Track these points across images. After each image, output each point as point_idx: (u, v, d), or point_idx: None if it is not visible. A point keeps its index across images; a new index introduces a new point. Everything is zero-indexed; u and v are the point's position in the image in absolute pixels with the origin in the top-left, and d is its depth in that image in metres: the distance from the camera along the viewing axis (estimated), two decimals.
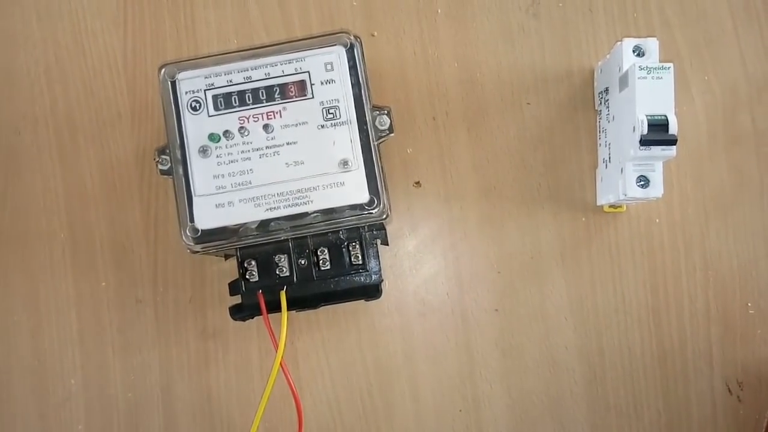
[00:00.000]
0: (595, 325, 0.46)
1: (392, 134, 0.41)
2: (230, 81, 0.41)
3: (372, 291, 0.43)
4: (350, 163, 0.40)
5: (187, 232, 0.40)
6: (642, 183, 0.41)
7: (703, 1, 0.48)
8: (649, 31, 0.47)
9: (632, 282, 0.46)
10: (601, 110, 0.46)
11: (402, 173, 0.48)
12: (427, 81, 0.48)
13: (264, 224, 0.40)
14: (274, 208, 0.40)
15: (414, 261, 0.47)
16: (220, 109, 0.41)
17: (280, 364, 0.40)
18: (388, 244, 0.44)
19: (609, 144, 0.44)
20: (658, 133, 0.39)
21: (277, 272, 0.41)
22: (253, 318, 0.44)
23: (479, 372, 0.47)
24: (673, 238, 0.47)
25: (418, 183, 0.48)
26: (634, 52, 0.42)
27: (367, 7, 0.49)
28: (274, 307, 0.42)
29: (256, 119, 0.41)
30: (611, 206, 0.46)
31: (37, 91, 0.49)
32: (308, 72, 0.41)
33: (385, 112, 0.41)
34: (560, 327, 0.46)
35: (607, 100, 0.44)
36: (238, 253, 0.42)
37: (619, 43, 0.42)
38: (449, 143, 0.48)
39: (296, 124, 0.40)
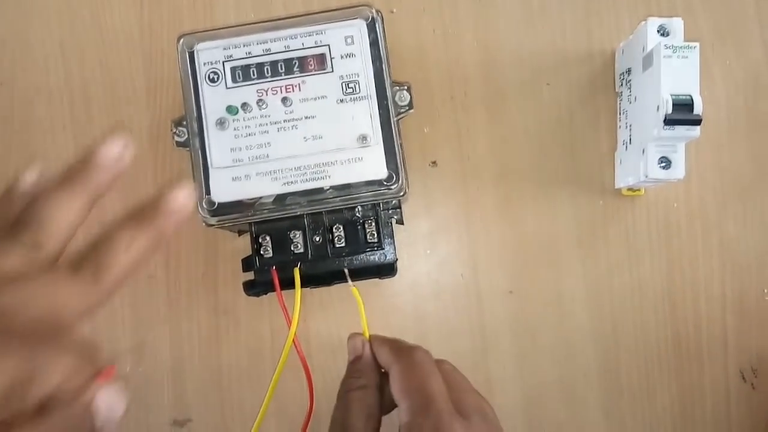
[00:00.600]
0: (610, 309, 0.46)
1: (412, 110, 0.40)
2: (249, 53, 0.40)
3: (386, 270, 0.43)
4: (369, 139, 0.40)
5: (203, 204, 0.39)
6: (664, 164, 0.40)
7: None
8: (671, 14, 0.46)
9: (648, 266, 0.46)
10: (622, 92, 0.45)
11: (419, 153, 0.47)
12: (447, 60, 0.47)
13: (280, 198, 0.39)
14: (291, 182, 0.40)
15: (429, 241, 0.47)
16: (238, 81, 0.40)
17: (293, 340, 0.40)
18: (403, 223, 0.44)
19: (630, 125, 0.44)
20: (682, 113, 0.38)
21: (292, 248, 0.41)
22: (266, 294, 0.43)
23: (492, 354, 0.46)
24: (691, 223, 0.46)
25: (434, 163, 0.47)
26: (658, 31, 0.41)
27: None
28: (288, 284, 0.41)
29: (274, 92, 0.40)
30: (630, 189, 0.46)
31: (51, 63, 0.49)
32: (328, 45, 0.40)
33: (405, 87, 0.41)
34: (575, 310, 0.46)
35: (629, 81, 0.44)
36: (253, 228, 0.42)
37: (643, 22, 0.41)
38: (467, 123, 0.47)
39: (315, 98, 0.40)
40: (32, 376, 0.23)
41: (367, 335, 0.38)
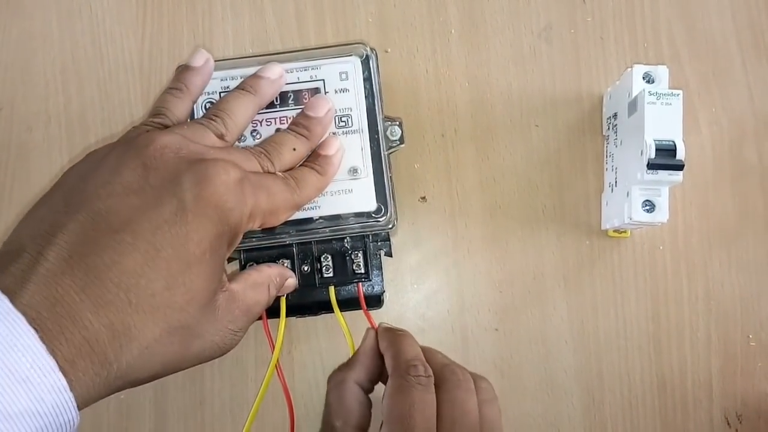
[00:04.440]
0: (596, 350, 0.46)
1: (403, 145, 0.41)
2: None
3: (373, 301, 0.43)
4: (359, 171, 0.40)
5: None
6: (648, 207, 0.41)
7: (713, 36, 0.49)
8: (658, 62, 0.48)
9: (634, 308, 0.46)
10: (608, 135, 0.46)
11: (408, 188, 0.48)
12: (438, 99, 0.49)
13: (270, 227, 0.40)
14: None
15: (416, 276, 0.47)
16: None
17: (276, 366, 0.40)
18: (391, 256, 0.44)
19: (615, 168, 0.45)
20: (665, 158, 0.39)
21: None
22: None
23: None
24: (677, 266, 0.47)
25: (423, 198, 0.48)
26: (644, 78, 0.42)
27: (382, 24, 0.50)
28: (274, 312, 0.42)
29: (268, 123, 0.41)
30: (615, 231, 0.46)
31: (51, 90, 0.50)
32: (323, 80, 0.41)
33: (397, 123, 0.42)
34: (560, 350, 0.46)
35: (615, 125, 0.45)
36: (242, 256, 0.42)
37: (629, 69, 0.43)
38: (457, 161, 0.48)
39: None
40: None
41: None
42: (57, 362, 0.26)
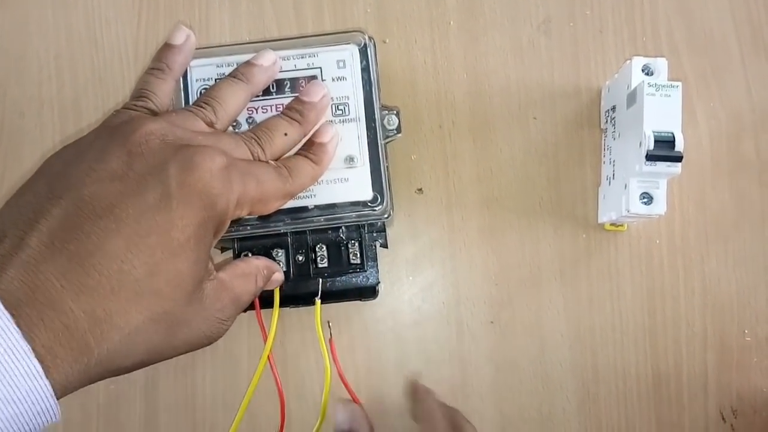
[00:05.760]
0: (591, 344, 0.46)
1: (400, 134, 0.41)
2: None
3: (368, 292, 0.43)
4: (356, 160, 0.40)
5: None
6: (645, 200, 0.41)
7: (711, 30, 0.49)
8: (656, 55, 0.48)
9: (630, 302, 0.46)
10: (606, 128, 0.46)
11: (405, 179, 0.47)
12: (436, 90, 0.48)
13: (265, 215, 0.39)
14: None
15: (412, 267, 0.47)
16: None
17: (268, 356, 0.40)
18: (387, 247, 0.44)
19: (613, 161, 0.44)
20: (664, 150, 0.39)
21: None
22: (245, 312, 0.43)
23: (471, 385, 0.46)
24: (673, 260, 0.46)
25: (420, 190, 0.47)
26: (643, 70, 0.42)
27: (380, 14, 0.49)
28: (268, 302, 0.41)
29: (264, 110, 0.41)
30: (612, 224, 0.46)
31: (45, 76, 0.49)
32: (320, 68, 0.41)
33: (394, 112, 0.41)
34: (555, 343, 0.46)
35: (614, 118, 0.45)
36: (236, 245, 0.41)
37: (628, 61, 0.42)
38: (454, 152, 0.48)
39: None
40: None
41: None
42: (33, 348, 0.25)
